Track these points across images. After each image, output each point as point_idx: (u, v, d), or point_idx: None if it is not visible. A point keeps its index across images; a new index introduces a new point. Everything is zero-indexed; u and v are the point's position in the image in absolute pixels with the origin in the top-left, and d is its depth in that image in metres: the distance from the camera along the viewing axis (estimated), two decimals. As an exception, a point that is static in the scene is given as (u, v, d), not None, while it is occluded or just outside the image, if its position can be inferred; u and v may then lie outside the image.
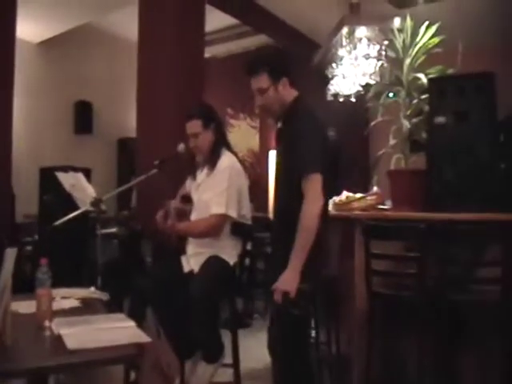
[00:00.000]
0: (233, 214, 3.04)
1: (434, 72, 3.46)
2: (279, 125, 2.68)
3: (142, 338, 1.97)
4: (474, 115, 3.07)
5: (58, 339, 1.91)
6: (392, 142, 3.51)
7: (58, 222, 3.11)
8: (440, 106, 3.19)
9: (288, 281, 2.37)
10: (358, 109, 5.33)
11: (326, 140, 2.57)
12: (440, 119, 3.15)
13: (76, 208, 3.39)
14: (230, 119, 8.44)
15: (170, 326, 3.11)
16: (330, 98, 5.64)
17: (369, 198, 3.35)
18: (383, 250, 2.85)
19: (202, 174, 3.26)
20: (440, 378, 2.85)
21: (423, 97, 3.39)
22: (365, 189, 3.96)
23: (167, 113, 4.86)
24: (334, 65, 5.44)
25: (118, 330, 2.06)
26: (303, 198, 2.41)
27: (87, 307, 2.50)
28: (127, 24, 7.03)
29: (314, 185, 2.39)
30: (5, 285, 1.88)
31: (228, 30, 8.36)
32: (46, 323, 2.04)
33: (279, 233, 2.64)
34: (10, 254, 1.97)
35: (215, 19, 6.78)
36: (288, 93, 2.60)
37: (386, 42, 3.93)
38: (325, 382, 3.51)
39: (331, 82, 5.52)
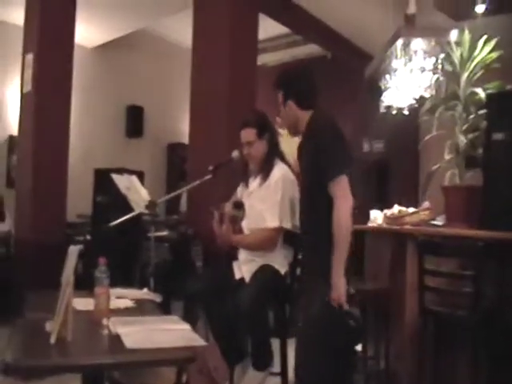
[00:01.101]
0: (287, 225, 3.06)
1: (491, 87, 3.40)
2: (299, 143, 2.78)
3: (198, 341, 2.00)
4: (534, 133, 3.00)
5: (115, 337, 1.95)
6: (447, 157, 3.46)
7: (114, 223, 3.17)
8: (498, 122, 3.13)
9: (339, 289, 2.38)
10: (411, 122, 5.28)
11: (347, 147, 2.59)
12: (498, 135, 3.08)
13: (128, 210, 3.45)
14: (278, 128, 8.39)
15: (220, 330, 3.13)
16: (382, 110, 5.59)
17: (421, 212, 3.32)
18: (436, 267, 2.82)
19: (254, 183, 3.27)
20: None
21: (480, 112, 3.34)
22: (413, 203, 3.91)
23: (219, 120, 4.91)
24: (387, 76, 5.38)
25: (174, 332, 2.08)
26: (328, 207, 2.46)
27: (141, 308, 2.55)
28: (180, 30, 7.17)
29: (340, 185, 2.45)
30: (68, 281, 1.93)
31: (279, 39, 8.40)
32: (104, 321, 2.08)
33: (312, 244, 2.65)
34: (73, 251, 2.02)
35: (267, 27, 6.82)
36: (294, 112, 2.70)
37: (442, 55, 3.87)
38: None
39: (384, 93, 5.46)
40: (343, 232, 2.41)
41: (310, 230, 2.62)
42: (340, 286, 2.39)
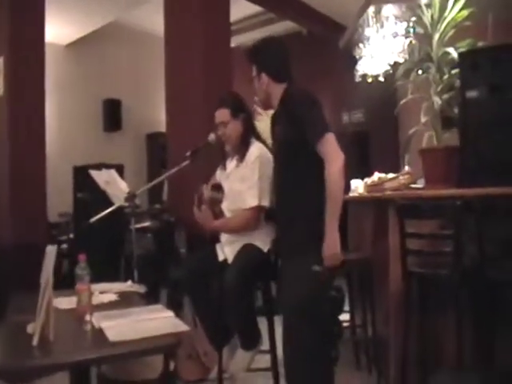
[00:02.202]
0: (265, 203, 3.04)
1: (464, 46, 3.38)
2: (273, 115, 2.78)
3: (181, 327, 2.00)
4: (508, 87, 2.98)
5: (99, 332, 1.94)
6: (423, 119, 3.45)
7: (93, 219, 3.16)
8: (472, 80, 3.12)
9: (333, 244, 2.37)
10: (388, 88, 5.26)
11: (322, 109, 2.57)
12: (472, 93, 3.08)
13: (110, 205, 3.45)
14: (257, 108, 8.38)
15: (206, 314, 3.14)
16: (358, 79, 5.56)
17: (401, 177, 3.31)
18: (418, 230, 2.81)
19: (231, 164, 3.26)
20: (478, 357, 2.79)
21: (454, 72, 3.32)
22: (396, 169, 3.91)
23: (196, 105, 4.88)
24: (361, 45, 5.35)
25: (157, 320, 2.09)
26: (313, 174, 2.44)
27: (125, 300, 2.54)
28: (153, 19, 7.09)
29: (330, 143, 2.42)
30: (47, 282, 1.92)
31: (253, 18, 8.36)
32: (87, 317, 2.07)
33: (288, 218, 2.62)
34: (51, 251, 2.01)
35: (239, 8, 6.77)
36: (267, 85, 2.68)
37: (413, 19, 3.85)
38: (361, 365, 3.50)
39: (359, 62, 5.44)
40: (338, 186, 2.38)
41: (288, 202, 2.59)
42: (335, 244, 2.37)
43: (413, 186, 3.31)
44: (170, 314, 2.17)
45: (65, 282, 2.55)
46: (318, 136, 2.42)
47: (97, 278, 2.31)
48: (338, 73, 7.94)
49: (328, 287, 2.41)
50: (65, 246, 5.80)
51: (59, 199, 6.17)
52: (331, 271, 2.39)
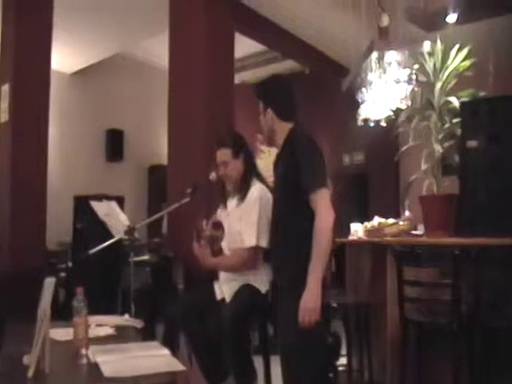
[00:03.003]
0: (263, 243, 3.03)
1: (465, 95, 3.45)
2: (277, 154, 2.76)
3: (177, 366, 1.98)
4: (506, 137, 3.04)
5: (94, 367, 1.93)
6: (424, 166, 3.49)
7: (92, 251, 3.16)
8: (472, 130, 3.17)
9: (312, 299, 2.32)
10: (389, 134, 5.33)
11: (325, 165, 2.58)
12: (472, 143, 3.12)
13: (109, 236, 3.44)
14: (260, 145, 8.49)
15: (202, 352, 3.11)
16: (360, 123, 5.62)
17: (401, 223, 3.33)
18: (416, 276, 2.82)
19: (232, 203, 3.27)
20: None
21: (455, 120, 3.38)
22: (396, 213, 3.92)
23: (197, 140, 4.90)
24: (364, 90, 5.43)
25: (153, 358, 2.07)
26: (309, 216, 2.42)
27: (122, 335, 2.52)
28: (158, 52, 7.21)
29: (323, 199, 2.42)
30: (44, 314, 1.91)
31: (257, 56, 8.46)
32: (83, 351, 2.06)
33: (284, 260, 2.59)
34: (49, 283, 2.00)
35: (244, 46, 6.87)
36: (272, 122, 2.68)
37: (416, 66, 3.93)
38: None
39: (361, 106, 5.50)
40: (325, 243, 2.37)
41: (284, 241, 2.58)
42: (315, 298, 2.32)
43: (412, 232, 3.33)
44: (166, 352, 2.16)
45: (61, 311, 2.54)
46: (314, 188, 2.42)
47: (93, 309, 2.30)
48: (339, 113, 8.02)
49: (323, 329, 2.39)
50: (62, 274, 5.75)
51: (58, 228, 6.14)
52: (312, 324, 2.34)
